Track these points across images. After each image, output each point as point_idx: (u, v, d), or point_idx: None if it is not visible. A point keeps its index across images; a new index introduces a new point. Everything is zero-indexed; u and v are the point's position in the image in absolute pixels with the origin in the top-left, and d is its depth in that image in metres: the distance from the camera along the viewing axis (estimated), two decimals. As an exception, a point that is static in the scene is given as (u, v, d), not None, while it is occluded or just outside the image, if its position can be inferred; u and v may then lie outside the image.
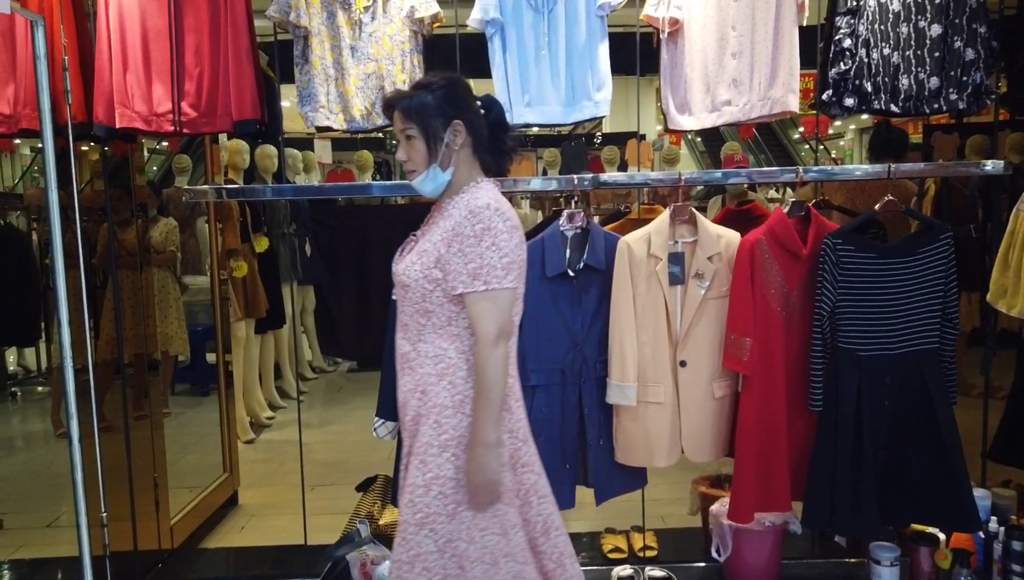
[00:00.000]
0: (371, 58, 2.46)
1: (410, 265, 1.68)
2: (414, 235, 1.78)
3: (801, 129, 9.83)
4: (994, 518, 2.48)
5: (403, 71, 2.46)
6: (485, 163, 1.74)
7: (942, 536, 2.50)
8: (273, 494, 3.68)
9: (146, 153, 3.52)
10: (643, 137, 6.23)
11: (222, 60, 2.42)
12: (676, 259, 2.31)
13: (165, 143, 5.65)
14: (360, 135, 2.74)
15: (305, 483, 2.91)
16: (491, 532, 1.70)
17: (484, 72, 2.48)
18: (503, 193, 1.74)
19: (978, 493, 2.44)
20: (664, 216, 2.35)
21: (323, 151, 6.06)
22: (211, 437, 3.67)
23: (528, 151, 7.65)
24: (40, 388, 5.91)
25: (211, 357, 4.62)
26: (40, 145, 2.79)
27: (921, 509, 2.35)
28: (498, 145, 1.75)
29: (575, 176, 2.39)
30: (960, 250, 2.35)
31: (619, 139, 6.42)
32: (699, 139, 9.78)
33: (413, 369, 1.72)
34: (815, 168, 2.56)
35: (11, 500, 3.00)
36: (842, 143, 13.24)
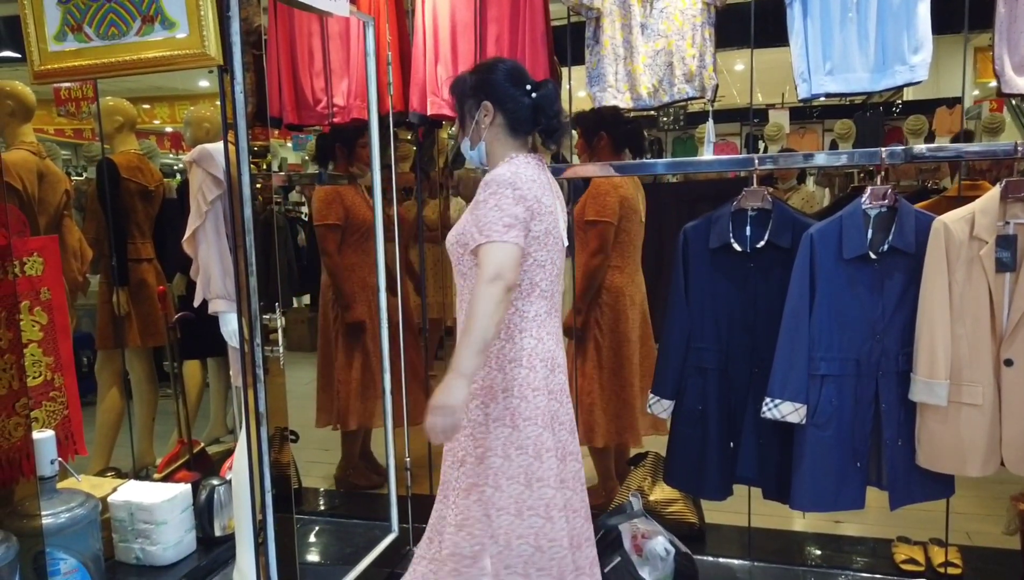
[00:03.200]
0: (661, 34, 2.44)
1: (449, 233, 1.89)
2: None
3: None
4: None
5: (693, 45, 2.41)
6: (534, 142, 1.93)
7: None
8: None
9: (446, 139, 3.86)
10: (955, 103, 5.47)
11: (520, 47, 2.56)
12: (1007, 242, 2.01)
13: (454, 128, 6.16)
14: (633, 113, 2.74)
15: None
16: (517, 482, 1.79)
17: (779, 40, 2.35)
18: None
19: None
20: (993, 193, 2.05)
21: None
22: (492, 400, 3.95)
23: (813, 123, 7.11)
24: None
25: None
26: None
27: None
28: (539, 126, 1.90)
29: (883, 148, 2.18)
30: None
31: (924, 107, 5.70)
32: (1025, 104, 8.36)
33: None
34: None
35: (330, 439, 3.50)
36: None
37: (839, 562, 2.60)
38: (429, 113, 2.67)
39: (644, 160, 2.73)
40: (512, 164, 1.85)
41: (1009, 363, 2.06)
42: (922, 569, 2.45)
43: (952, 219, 2.08)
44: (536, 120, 1.89)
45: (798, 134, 7.01)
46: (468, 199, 4.67)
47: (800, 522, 2.92)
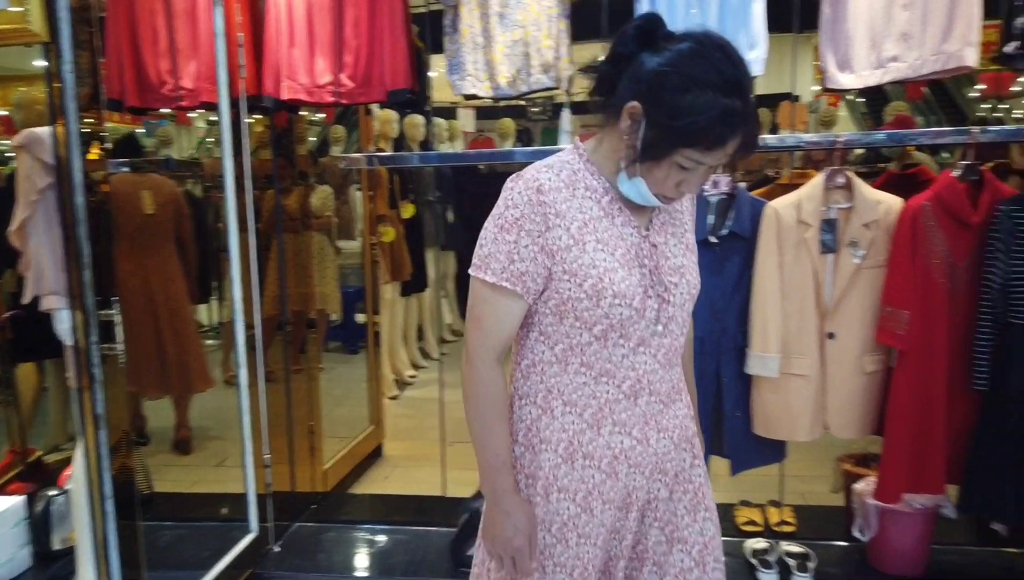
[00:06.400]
0: (518, 24, 2.48)
1: (694, 274, 1.32)
2: (644, 234, 1.27)
3: (981, 87, 8.88)
4: None
5: (549, 37, 2.47)
6: None
7: None
8: (415, 447, 3.88)
9: (307, 124, 3.75)
10: (796, 99, 5.89)
11: (378, 32, 2.52)
12: (829, 226, 2.20)
13: (322, 114, 5.98)
14: (502, 103, 2.79)
15: (444, 438, 3.05)
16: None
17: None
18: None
19: None
20: (817, 180, 2.24)
21: (466, 120, 6.20)
22: (359, 392, 3.92)
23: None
24: (209, 342, 6.47)
25: (360, 317, 4.90)
26: (213, 118, 3.07)
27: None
28: None
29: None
30: None
31: (770, 101, 6.09)
32: (861, 100, 9.11)
33: (674, 400, 1.35)
34: (994, 128, 2.34)
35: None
36: (1026, 102, 11.82)
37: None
38: (284, 97, 2.59)
39: (526, 149, 2.79)
40: None
41: (832, 336, 2.26)
42: (760, 529, 2.65)
43: (781, 205, 2.25)
44: None
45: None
46: (334, 186, 4.54)
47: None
